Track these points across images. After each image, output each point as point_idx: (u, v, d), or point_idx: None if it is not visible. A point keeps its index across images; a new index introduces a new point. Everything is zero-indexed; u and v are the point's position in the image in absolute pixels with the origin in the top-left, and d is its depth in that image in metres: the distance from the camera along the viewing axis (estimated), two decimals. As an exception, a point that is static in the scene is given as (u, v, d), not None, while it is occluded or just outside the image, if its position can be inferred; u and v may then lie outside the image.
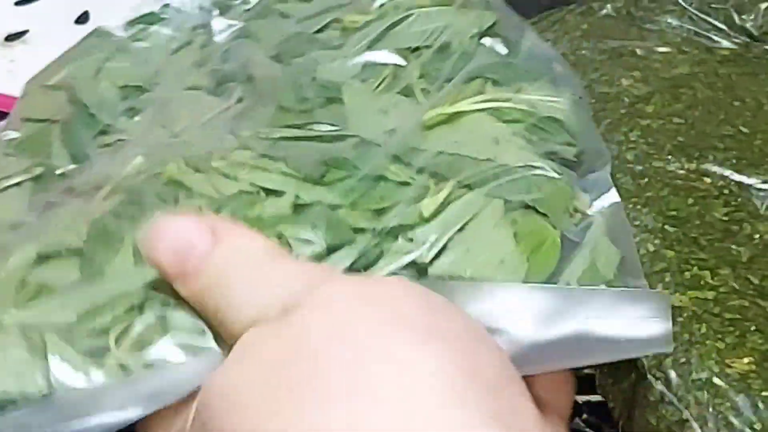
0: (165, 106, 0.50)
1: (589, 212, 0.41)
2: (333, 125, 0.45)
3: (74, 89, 0.52)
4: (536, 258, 0.38)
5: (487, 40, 0.49)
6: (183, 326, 0.36)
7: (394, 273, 0.38)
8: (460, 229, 0.39)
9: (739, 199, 0.42)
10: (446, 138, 0.43)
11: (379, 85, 0.47)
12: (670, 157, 0.45)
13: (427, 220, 0.39)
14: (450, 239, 0.39)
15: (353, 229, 0.40)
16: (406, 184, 0.41)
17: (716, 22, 0.53)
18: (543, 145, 0.43)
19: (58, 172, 0.47)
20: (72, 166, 0.47)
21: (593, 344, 0.35)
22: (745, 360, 0.36)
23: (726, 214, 0.42)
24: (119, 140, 0.48)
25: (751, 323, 0.37)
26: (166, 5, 0.56)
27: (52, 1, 0.77)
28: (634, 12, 0.56)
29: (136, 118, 0.50)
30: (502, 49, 0.49)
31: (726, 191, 0.43)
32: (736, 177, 0.43)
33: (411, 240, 0.39)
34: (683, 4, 0.54)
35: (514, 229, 0.39)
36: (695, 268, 0.40)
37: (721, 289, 0.39)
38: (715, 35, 0.53)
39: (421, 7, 0.51)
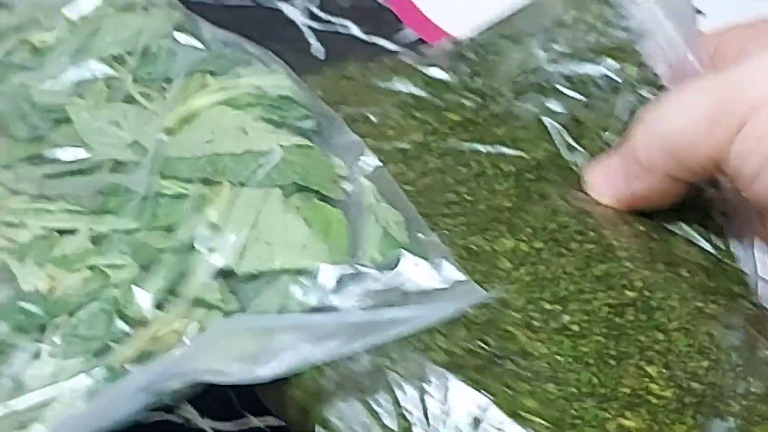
0: None
1: (347, 176, 0.45)
2: (73, 146, 0.46)
3: None
4: (331, 239, 0.42)
5: (181, 37, 0.51)
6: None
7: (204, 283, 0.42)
8: (252, 227, 0.43)
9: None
10: (196, 141, 0.46)
11: (99, 98, 0.49)
12: None
13: (218, 227, 0.43)
14: (247, 238, 0.42)
15: (156, 249, 0.42)
16: (183, 196, 0.44)
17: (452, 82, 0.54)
18: (285, 123, 0.46)
19: None
20: None
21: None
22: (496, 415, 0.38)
23: None
24: None
25: (493, 379, 0.39)
26: None
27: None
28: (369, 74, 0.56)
29: None
30: (198, 44, 0.52)
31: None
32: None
33: (212, 249, 0.42)
34: (416, 66, 0.55)
35: (302, 215, 0.43)
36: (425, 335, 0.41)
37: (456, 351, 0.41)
38: (450, 96, 0.53)
39: (107, 17, 0.52)
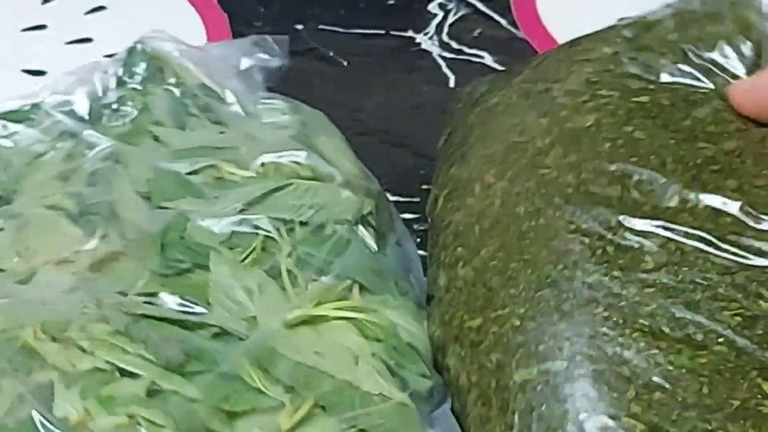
0: (22, 227, 0.48)
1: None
2: (192, 302, 0.44)
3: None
4: None
5: (362, 231, 0.49)
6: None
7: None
8: None
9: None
10: (307, 345, 0.43)
11: (247, 257, 0.46)
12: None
13: None
14: None
15: (207, 429, 0.39)
16: (261, 392, 0.41)
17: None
18: (400, 372, 0.43)
19: None
20: None
21: None
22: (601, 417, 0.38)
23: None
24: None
25: (605, 386, 0.39)
26: (36, 104, 0.53)
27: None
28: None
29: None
30: (373, 245, 0.49)
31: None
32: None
33: None
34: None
35: None
36: (551, 340, 0.41)
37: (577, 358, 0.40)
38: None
39: (302, 178, 0.50)
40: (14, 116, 0.53)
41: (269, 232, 0.47)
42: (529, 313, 0.41)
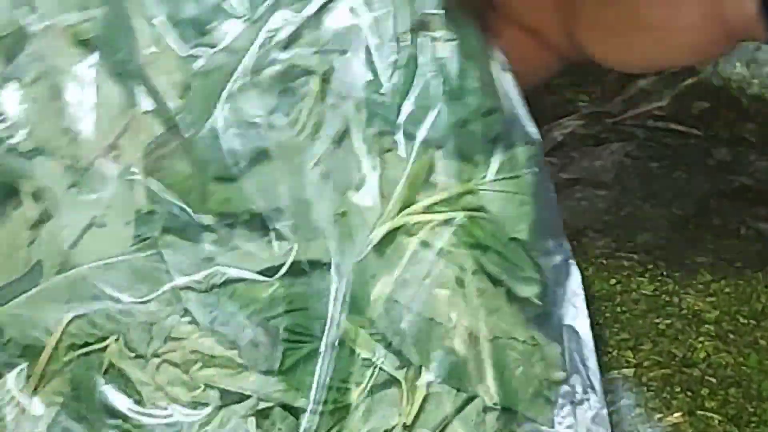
0: (54, 89, 0.39)
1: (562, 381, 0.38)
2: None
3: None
4: None
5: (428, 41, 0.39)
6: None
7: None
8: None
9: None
10: (401, 278, 0.37)
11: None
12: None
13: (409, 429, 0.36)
14: None
15: None
16: (371, 365, 0.36)
17: None
18: (503, 282, 0.38)
19: None
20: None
21: None
22: (676, 414, 0.40)
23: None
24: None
25: (677, 386, 0.41)
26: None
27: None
28: None
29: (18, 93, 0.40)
30: (454, 65, 0.40)
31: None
32: None
33: None
34: None
35: None
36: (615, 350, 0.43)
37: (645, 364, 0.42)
38: None
39: None
40: None
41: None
42: None
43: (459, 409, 0.36)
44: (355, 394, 0.36)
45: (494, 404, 0.37)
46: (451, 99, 0.39)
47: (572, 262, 0.41)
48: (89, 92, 0.39)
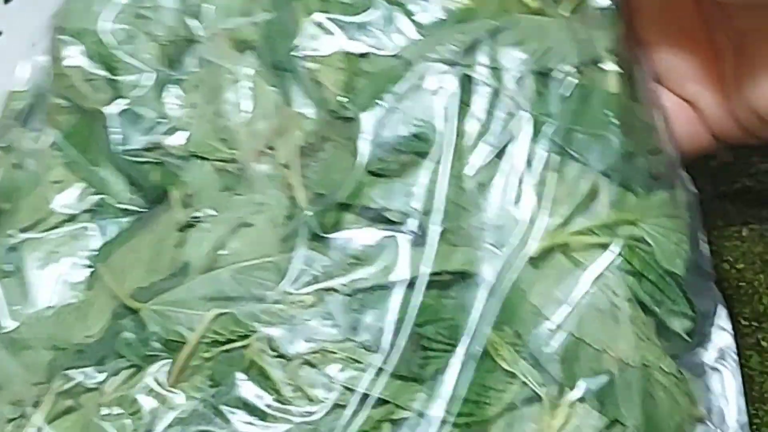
0: (214, 93, 0.40)
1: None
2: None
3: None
4: None
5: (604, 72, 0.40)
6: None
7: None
8: None
9: None
10: (556, 295, 0.37)
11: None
12: None
13: None
14: None
15: None
16: (513, 377, 0.36)
17: None
18: (656, 315, 0.37)
19: None
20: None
21: None
22: None
23: None
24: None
25: None
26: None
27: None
28: None
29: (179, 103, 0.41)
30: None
31: None
32: None
33: None
34: None
35: None
36: None
37: None
38: None
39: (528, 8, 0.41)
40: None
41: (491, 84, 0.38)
42: None
43: (601, 432, 0.36)
44: (494, 409, 0.35)
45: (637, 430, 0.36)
46: (620, 131, 0.39)
47: (721, 306, 0.41)
48: (245, 93, 0.40)
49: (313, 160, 0.38)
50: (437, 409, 0.35)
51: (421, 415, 0.35)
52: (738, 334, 0.42)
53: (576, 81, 0.39)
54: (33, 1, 0.65)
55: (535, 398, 0.36)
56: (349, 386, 0.36)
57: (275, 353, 0.37)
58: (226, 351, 0.37)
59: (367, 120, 0.37)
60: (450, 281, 0.37)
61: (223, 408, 0.36)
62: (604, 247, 0.37)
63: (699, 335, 0.40)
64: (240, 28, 0.41)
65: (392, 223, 0.37)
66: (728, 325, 0.41)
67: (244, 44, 0.41)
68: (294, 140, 0.39)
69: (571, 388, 0.36)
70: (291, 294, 0.37)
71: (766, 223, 0.48)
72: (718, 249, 0.47)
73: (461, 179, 0.37)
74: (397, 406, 0.36)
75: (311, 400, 0.36)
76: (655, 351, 0.37)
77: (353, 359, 0.36)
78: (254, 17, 0.40)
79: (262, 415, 0.36)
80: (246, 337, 0.37)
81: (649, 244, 0.38)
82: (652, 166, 0.40)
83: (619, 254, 0.37)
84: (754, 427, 0.40)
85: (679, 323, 0.38)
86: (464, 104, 0.38)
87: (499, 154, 0.38)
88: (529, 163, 0.38)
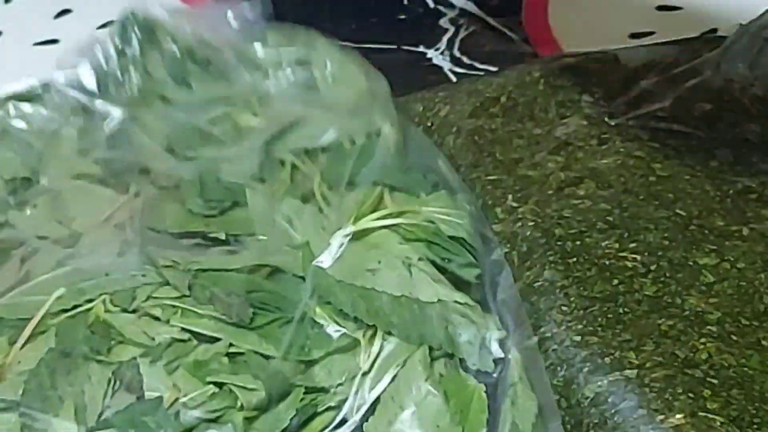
0: (56, 199, 0.48)
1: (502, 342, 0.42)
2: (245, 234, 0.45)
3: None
4: (468, 424, 0.39)
5: (380, 140, 0.49)
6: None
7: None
8: (390, 384, 0.40)
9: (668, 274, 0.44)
10: (359, 266, 0.43)
11: (279, 189, 0.48)
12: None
13: (364, 374, 0.40)
14: (381, 395, 0.40)
15: (290, 384, 0.40)
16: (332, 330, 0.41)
17: None
18: (447, 269, 0.43)
19: None
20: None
21: None
22: (678, 416, 0.39)
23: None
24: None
25: (679, 387, 0.40)
26: (45, 84, 0.52)
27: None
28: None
29: (27, 211, 0.48)
30: (392, 146, 0.49)
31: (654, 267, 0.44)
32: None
33: (343, 399, 0.39)
34: None
35: (443, 387, 0.40)
36: (617, 352, 0.42)
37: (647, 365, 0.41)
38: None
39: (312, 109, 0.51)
40: (24, 97, 0.52)
41: (294, 161, 0.48)
42: (589, 329, 0.43)
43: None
44: (320, 352, 0.41)
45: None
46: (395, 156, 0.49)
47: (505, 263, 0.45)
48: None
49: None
50: (272, 350, 0.41)
51: (256, 353, 0.41)
52: (738, 334, 0.42)
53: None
54: (33, 1, 0.72)
55: (355, 341, 0.41)
56: (188, 327, 0.41)
57: (118, 308, 0.42)
58: (72, 317, 0.42)
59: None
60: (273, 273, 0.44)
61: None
62: (393, 227, 0.45)
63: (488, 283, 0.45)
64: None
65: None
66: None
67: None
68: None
69: (381, 329, 0.41)
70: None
71: (767, 222, 0.48)
72: (718, 249, 0.46)
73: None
74: (232, 344, 0.41)
75: (153, 339, 0.41)
76: (447, 290, 0.43)
77: (191, 310, 0.41)
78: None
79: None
80: (91, 301, 0.42)
81: (432, 222, 0.45)
82: (428, 175, 0.48)
83: (405, 229, 0.44)
84: (755, 426, 0.39)
85: (467, 272, 0.44)
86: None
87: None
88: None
